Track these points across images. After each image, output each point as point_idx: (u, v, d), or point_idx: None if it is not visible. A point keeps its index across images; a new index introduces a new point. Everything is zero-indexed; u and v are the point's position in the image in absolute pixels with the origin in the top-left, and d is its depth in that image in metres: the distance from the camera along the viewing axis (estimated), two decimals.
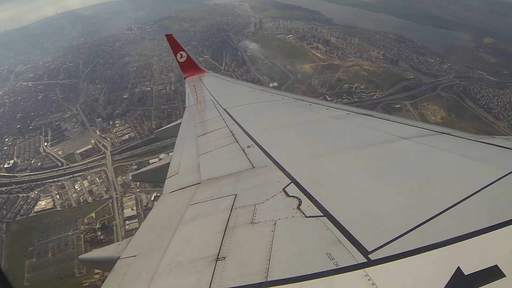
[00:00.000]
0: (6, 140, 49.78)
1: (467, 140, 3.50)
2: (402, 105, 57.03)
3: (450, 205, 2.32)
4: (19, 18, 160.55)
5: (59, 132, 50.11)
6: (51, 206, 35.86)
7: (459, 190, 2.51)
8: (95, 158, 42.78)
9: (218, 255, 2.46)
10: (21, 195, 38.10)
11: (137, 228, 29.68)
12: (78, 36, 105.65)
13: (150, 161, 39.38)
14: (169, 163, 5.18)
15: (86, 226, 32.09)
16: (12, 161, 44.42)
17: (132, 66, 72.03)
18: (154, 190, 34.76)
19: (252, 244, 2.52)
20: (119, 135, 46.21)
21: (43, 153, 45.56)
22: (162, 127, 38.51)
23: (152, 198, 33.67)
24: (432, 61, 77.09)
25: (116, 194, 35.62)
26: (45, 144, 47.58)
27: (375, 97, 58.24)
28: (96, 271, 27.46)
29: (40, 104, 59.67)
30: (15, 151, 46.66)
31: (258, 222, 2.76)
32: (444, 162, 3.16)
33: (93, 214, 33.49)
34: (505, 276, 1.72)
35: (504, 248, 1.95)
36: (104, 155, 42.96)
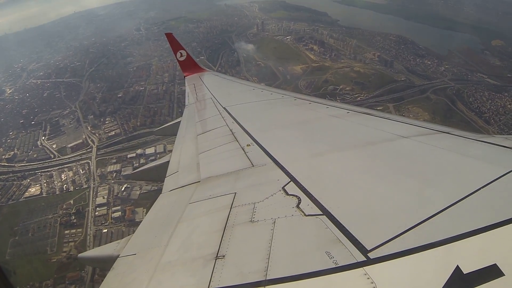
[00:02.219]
0: (10, 133, 55.83)
1: (467, 139, 3.52)
2: (384, 107, 58.58)
3: (449, 204, 2.34)
4: (40, 17, 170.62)
5: (56, 127, 55.63)
6: (38, 193, 41.00)
7: (458, 189, 2.54)
8: (83, 151, 47.89)
9: (217, 253, 2.50)
10: (15, 182, 43.57)
11: (105, 215, 34.25)
12: (90, 35, 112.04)
13: (128, 156, 44.08)
14: (168, 161, 5.36)
15: (64, 211, 36.87)
16: (13, 152, 50.14)
17: (132, 66, 76.99)
18: (126, 182, 39.27)
19: (251, 243, 2.57)
20: (107, 131, 51.15)
21: (40, 146, 51.14)
22: (146, 125, 43.34)
23: (123, 189, 38.08)
24: (430, 63, 77.05)
25: (94, 184, 40.36)
26: (43, 138, 53.17)
27: (359, 98, 59.93)
28: (64, 249, 32.19)
29: (45, 101, 65.73)
30: (16, 144, 52.50)
31: (258, 220, 2.80)
32: (444, 161, 3.19)
33: (72, 201, 38.26)
34: (504, 275, 1.74)
35: (503, 247, 1.96)
36: (91, 149, 48.00)
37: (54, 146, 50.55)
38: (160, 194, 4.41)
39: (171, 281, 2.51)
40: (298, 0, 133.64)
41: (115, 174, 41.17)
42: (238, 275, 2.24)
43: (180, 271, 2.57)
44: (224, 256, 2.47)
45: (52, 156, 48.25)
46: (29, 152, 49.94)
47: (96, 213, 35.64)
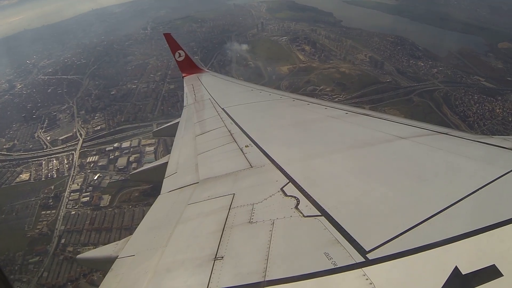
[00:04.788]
0: (13, 126, 63.19)
1: (465, 140, 3.65)
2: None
3: (447, 205, 2.44)
4: (58, 13, 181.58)
5: (53, 121, 62.36)
6: (27, 179, 47.56)
7: (457, 190, 2.64)
8: (71, 143, 54.35)
9: (216, 254, 2.62)
10: (10, 169, 50.55)
11: (76, 199, 40.11)
12: (101, 33, 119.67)
13: (107, 149, 49.97)
14: (167, 162, 5.57)
15: (44, 195, 43.10)
16: (12, 143, 57.39)
17: (131, 65, 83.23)
18: (100, 172, 45.21)
19: (250, 244, 2.69)
20: (94, 126, 57.35)
21: (36, 138, 58.09)
22: (128, 121, 49.92)
23: (95, 178, 43.99)
24: (423, 64, 78.20)
25: (73, 172, 46.54)
26: (40, 130, 60.00)
27: (337, 99, 62.75)
28: (38, 226, 38.24)
29: (48, 96, 72.90)
30: (17, 135, 59.80)
31: (256, 221, 2.92)
32: (442, 162, 3.33)
33: (52, 187, 44.37)
34: (503, 276, 1.80)
35: (502, 248, 2.04)
36: (77, 141, 54.46)
37: (48, 138, 57.25)
38: (159, 195, 4.55)
39: (170, 282, 2.63)
40: (307, 1, 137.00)
41: (92, 164, 47.20)
42: (237, 276, 2.34)
43: (178, 272, 2.68)
44: (222, 257, 2.57)
45: (45, 147, 55.02)
46: (26, 143, 56.99)
47: (70, 198, 41.60)
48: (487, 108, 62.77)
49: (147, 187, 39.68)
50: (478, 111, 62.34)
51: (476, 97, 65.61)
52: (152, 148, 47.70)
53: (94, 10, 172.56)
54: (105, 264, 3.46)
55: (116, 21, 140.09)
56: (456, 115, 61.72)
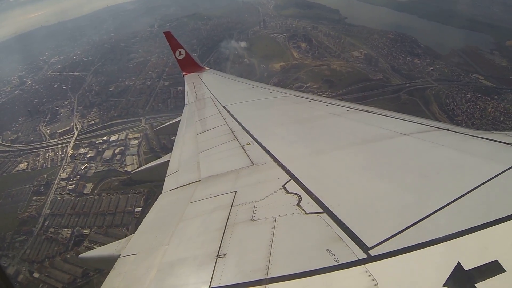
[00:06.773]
0: (19, 119, 69.42)
1: (467, 136, 3.72)
2: None
3: (450, 201, 2.48)
4: (74, 10, 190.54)
5: (55, 115, 68.20)
6: (25, 168, 53.24)
7: (459, 186, 2.69)
8: (67, 136, 59.81)
9: (218, 252, 2.66)
10: (11, 159, 56.41)
11: (63, 187, 45.13)
12: (112, 30, 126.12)
13: (96, 142, 54.98)
14: (168, 160, 5.76)
15: (37, 183, 48.44)
16: (16, 135, 63.50)
17: (133, 62, 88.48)
18: (88, 162, 50.18)
19: (252, 241, 2.73)
20: (89, 120, 62.77)
21: (38, 131, 63.96)
22: (121, 116, 55.49)
23: (83, 167, 48.95)
24: (419, 62, 78.38)
25: (65, 163, 51.79)
26: (42, 124, 65.86)
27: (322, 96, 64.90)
28: (28, 210, 43.46)
29: (53, 92, 79.20)
30: (21, 128, 65.89)
31: (258, 219, 2.97)
32: (444, 158, 3.37)
33: (45, 175, 49.75)
34: (505, 271, 1.83)
35: (504, 243, 2.07)
36: (73, 134, 59.85)
37: (48, 131, 63.03)
38: (161, 194, 4.69)
39: (172, 281, 2.68)
40: None
41: (82, 155, 52.35)
42: (239, 274, 2.38)
43: (181, 270, 2.76)
44: (225, 255, 2.62)
45: (44, 139, 60.76)
46: (29, 135, 62.92)
47: (58, 185, 46.75)
48: (478, 107, 62.55)
49: (127, 177, 44.29)
50: (468, 110, 62.24)
51: (469, 96, 65.46)
52: (136, 142, 52.37)
53: (109, 7, 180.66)
54: (108, 263, 3.56)
55: (127, 18, 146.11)
56: (444, 114, 61.72)
